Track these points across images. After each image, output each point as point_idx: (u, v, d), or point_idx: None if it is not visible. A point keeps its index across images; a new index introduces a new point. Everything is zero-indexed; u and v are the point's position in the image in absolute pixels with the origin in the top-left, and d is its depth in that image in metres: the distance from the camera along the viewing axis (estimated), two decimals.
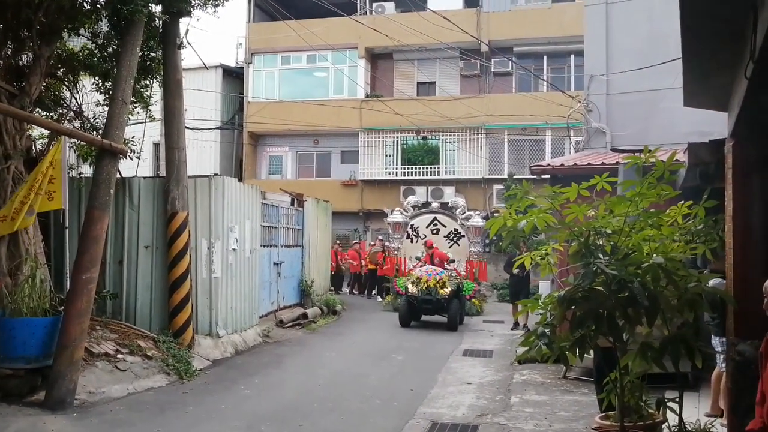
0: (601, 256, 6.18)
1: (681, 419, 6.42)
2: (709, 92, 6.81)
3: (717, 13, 4.74)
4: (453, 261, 21.12)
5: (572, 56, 30.14)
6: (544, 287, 16.28)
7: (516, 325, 18.07)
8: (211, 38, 57.41)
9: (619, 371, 6.41)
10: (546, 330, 6.40)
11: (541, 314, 6.74)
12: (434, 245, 20.97)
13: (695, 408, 8.93)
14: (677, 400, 6.42)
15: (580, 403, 10.06)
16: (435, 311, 18.36)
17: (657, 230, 6.52)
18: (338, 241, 28.73)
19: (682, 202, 6.82)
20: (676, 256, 6.38)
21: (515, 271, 17.57)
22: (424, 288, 17.95)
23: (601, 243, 6.45)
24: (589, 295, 6.09)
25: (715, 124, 12.34)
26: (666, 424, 6.68)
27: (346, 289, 28.03)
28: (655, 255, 6.11)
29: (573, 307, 6.17)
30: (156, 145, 25.65)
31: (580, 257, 6.32)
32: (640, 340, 6.19)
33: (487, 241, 24.95)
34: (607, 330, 6.12)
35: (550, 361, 6.71)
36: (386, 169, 32.38)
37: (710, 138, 8.74)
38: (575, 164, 14.56)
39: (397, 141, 32.29)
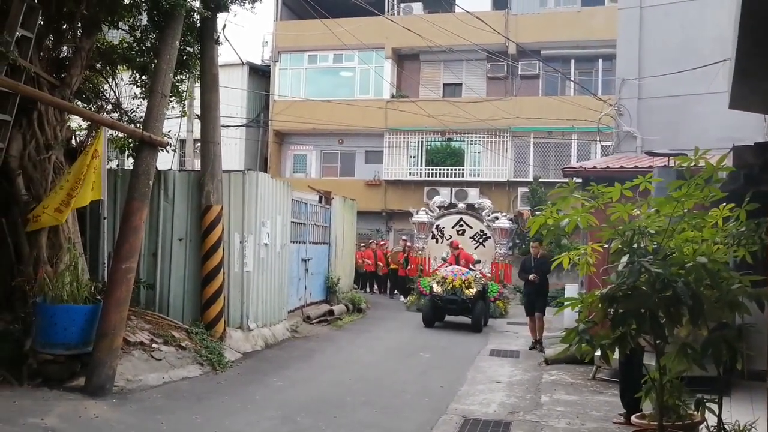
0: (644, 256, 6.23)
1: (720, 419, 6.45)
2: (758, 94, 6.82)
3: None
4: (479, 262, 21.11)
5: (600, 60, 30.16)
6: (571, 291, 16.24)
7: (535, 344, 15.59)
8: (238, 36, 57.70)
9: (659, 371, 6.45)
10: (586, 327, 6.44)
11: (580, 312, 6.80)
12: (460, 246, 20.96)
13: (728, 412, 8.93)
14: (716, 401, 6.46)
15: (611, 403, 10.08)
16: (459, 312, 18.29)
17: (698, 232, 6.55)
18: (382, 241, 29.06)
19: (724, 204, 6.84)
20: (719, 258, 6.41)
21: (531, 277, 15.62)
22: (449, 288, 17.88)
23: (643, 243, 6.51)
24: (631, 293, 6.13)
25: (746, 130, 12.39)
26: (705, 424, 6.71)
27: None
28: (698, 256, 6.15)
29: (614, 305, 6.22)
30: (182, 141, 25.78)
31: (621, 256, 6.37)
32: (679, 341, 6.23)
33: (511, 244, 24.91)
34: (649, 329, 6.16)
35: (588, 357, 6.75)
36: (410, 169, 32.49)
37: (741, 143, 8.74)
38: (608, 167, 14.57)
39: (422, 142, 32.39)
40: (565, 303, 7.07)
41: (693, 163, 6.36)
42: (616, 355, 6.68)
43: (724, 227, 6.76)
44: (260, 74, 35.35)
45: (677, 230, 6.44)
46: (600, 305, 6.33)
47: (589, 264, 7.20)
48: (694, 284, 5.93)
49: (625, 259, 6.33)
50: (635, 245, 6.41)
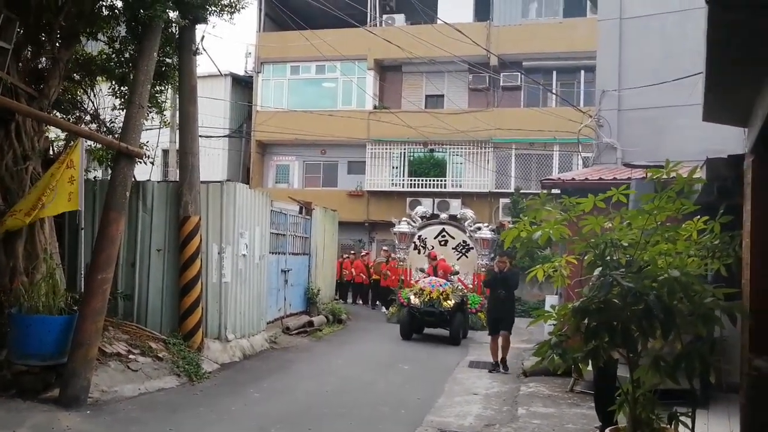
0: (617, 269, 6.24)
1: None
2: (729, 107, 6.83)
3: (746, 24, 4.78)
4: (457, 273, 21.03)
5: (582, 71, 30.18)
6: (551, 302, 16.22)
7: (496, 365, 14.30)
8: (221, 47, 57.67)
9: (632, 384, 6.45)
10: (559, 340, 6.45)
11: (554, 325, 6.80)
12: (438, 257, 20.90)
13: (705, 425, 8.95)
14: (689, 414, 6.46)
15: (588, 416, 10.07)
16: (437, 324, 18.07)
17: (672, 245, 6.57)
18: (364, 251, 29.39)
19: (698, 217, 6.86)
20: (692, 271, 6.42)
21: (500, 292, 14.52)
22: (426, 300, 17.66)
23: (616, 256, 6.52)
24: (603, 306, 6.13)
25: (726, 142, 12.42)
26: None
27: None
28: (671, 269, 6.16)
29: (586, 318, 6.22)
30: (165, 152, 25.84)
31: (594, 269, 6.39)
32: (653, 354, 6.24)
33: (493, 255, 24.84)
34: (621, 342, 6.17)
35: (561, 370, 6.75)
36: (393, 180, 32.47)
37: (721, 155, 8.79)
38: (586, 179, 14.61)
39: (404, 153, 32.38)
40: (537, 316, 7.07)
41: (664, 176, 6.38)
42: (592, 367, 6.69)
43: (699, 240, 6.78)
44: (243, 85, 35.36)
45: (651, 243, 6.45)
46: (572, 318, 6.34)
47: (563, 276, 7.21)
48: (667, 297, 5.94)
49: (598, 271, 6.35)
50: (608, 258, 6.43)
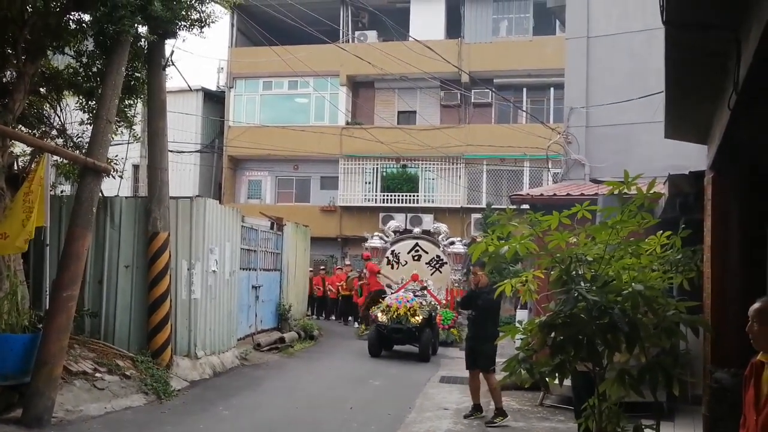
0: (582, 283, 6.27)
1: None
2: (689, 124, 6.95)
3: (701, 45, 4.86)
4: (426, 287, 21.01)
5: (552, 89, 30.40)
6: (522, 316, 16.23)
7: (477, 409, 11.43)
8: (193, 62, 57.55)
9: (597, 397, 6.47)
10: (526, 355, 6.46)
11: (521, 339, 6.82)
12: (370, 259, 21.16)
13: None
14: (654, 427, 6.48)
15: (557, 430, 10.11)
16: (406, 341, 17.87)
17: (636, 259, 6.61)
18: (337, 267, 29.25)
19: (661, 231, 6.92)
20: (656, 285, 6.46)
21: (472, 314, 11.86)
22: (393, 316, 17.47)
23: (581, 271, 6.55)
24: (569, 320, 6.15)
25: (691, 159, 12.54)
26: None
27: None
28: (635, 283, 6.19)
29: (553, 332, 6.24)
30: (135, 167, 25.65)
31: (561, 284, 6.40)
32: (618, 367, 6.26)
33: (465, 270, 24.82)
34: (587, 355, 6.19)
35: (527, 383, 6.75)
36: (365, 195, 32.54)
37: (684, 171, 8.89)
38: (554, 194, 14.69)
39: (377, 168, 32.48)
40: (505, 331, 7.08)
41: (625, 189, 6.42)
42: (568, 381, 6.72)
43: (662, 254, 6.84)
44: (215, 100, 35.26)
45: (615, 257, 6.48)
46: (539, 333, 6.35)
47: (531, 291, 7.23)
48: (631, 311, 5.97)
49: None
50: (573, 273, 6.45)
